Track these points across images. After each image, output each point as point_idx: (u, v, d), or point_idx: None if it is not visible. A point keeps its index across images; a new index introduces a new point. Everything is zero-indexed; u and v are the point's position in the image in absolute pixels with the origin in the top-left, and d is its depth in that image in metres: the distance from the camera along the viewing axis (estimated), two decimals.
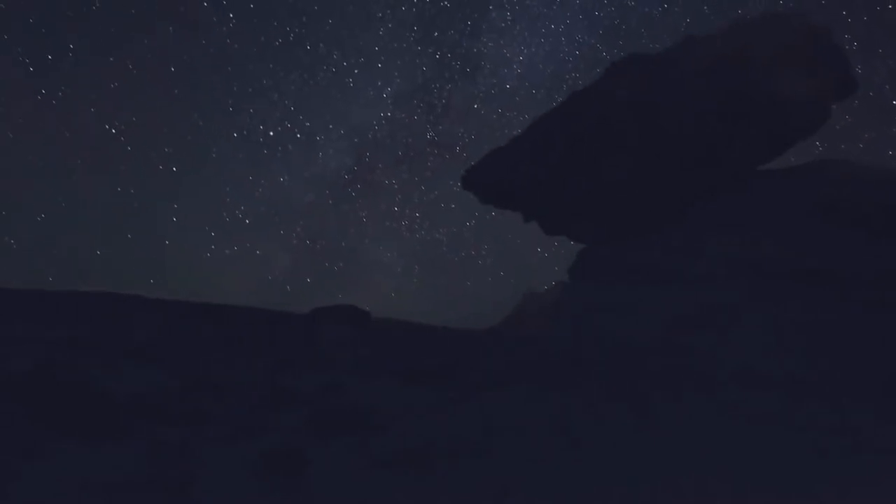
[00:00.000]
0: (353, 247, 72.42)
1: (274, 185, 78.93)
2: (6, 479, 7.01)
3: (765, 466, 7.73)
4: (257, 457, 8.19)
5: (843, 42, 47.77)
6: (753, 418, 9.91)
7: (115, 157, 71.82)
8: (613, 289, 14.78)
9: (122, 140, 73.18)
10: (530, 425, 10.20)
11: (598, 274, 15.38)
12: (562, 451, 8.75)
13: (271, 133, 75.57)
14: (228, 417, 10.70)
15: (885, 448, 8.28)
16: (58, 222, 68.39)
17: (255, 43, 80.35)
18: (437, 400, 13.35)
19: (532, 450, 8.83)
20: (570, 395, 11.98)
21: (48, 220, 63.47)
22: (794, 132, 15.78)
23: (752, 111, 14.83)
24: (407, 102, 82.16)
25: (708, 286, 14.11)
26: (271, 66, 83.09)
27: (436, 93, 76.91)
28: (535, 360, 15.66)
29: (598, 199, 15.21)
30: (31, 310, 17.65)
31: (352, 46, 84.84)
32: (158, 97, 73.34)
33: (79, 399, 9.58)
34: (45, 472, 7.37)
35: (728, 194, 15.64)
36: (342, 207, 79.22)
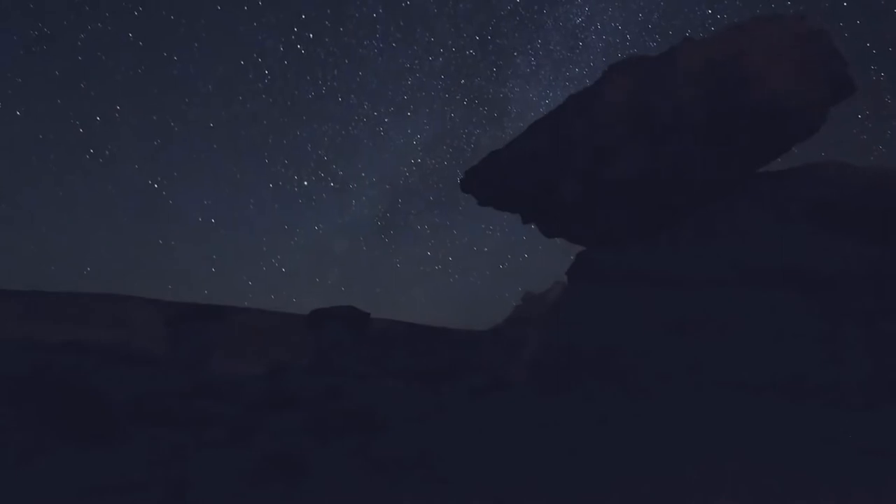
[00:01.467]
0: (387, 292, 73.48)
1: (309, 234, 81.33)
2: (6, 479, 7.00)
3: (765, 467, 7.72)
4: (257, 459, 8.18)
5: (871, 73, 48.18)
6: (753, 419, 9.91)
7: (156, 210, 75.22)
8: (612, 290, 14.77)
9: (163, 194, 76.24)
10: (530, 426, 10.20)
11: (597, 275, 15.37)
12: (561, 452, 8.75)
13: (305, 183, 78.80)
14: (228, 419, 10.69)
15: (884, 449, 8.28)
16: (101, 274, 71.21)
17: (288, 97, 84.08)
18: (437, 400, 13.34)
19: (532, 450, 8.83)
20: (570, 396, 11.98)
21: (93, 274, 66.41)
22: (791, 134, 15.77)
23: (749, 113, 14.83)
24: (437, 148, 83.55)
25: (706, 288, 14.12)
26: (304, 118, 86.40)
27: (464, 138, 78.30)
28: (535, 361, 15.67)
29: (597, 201, 15.23)
30: (32, 311, 17.64)
31: (382, 97, 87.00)
32: (197, 152, 77.27)
33: (78, 401, 9.57)
34: (44, 472, 7.36)
35: (726, 196, 15.62)
36: (376, 253, 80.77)
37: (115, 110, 76.15)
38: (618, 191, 15.01)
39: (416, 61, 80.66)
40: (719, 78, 14.80)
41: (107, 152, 74.60)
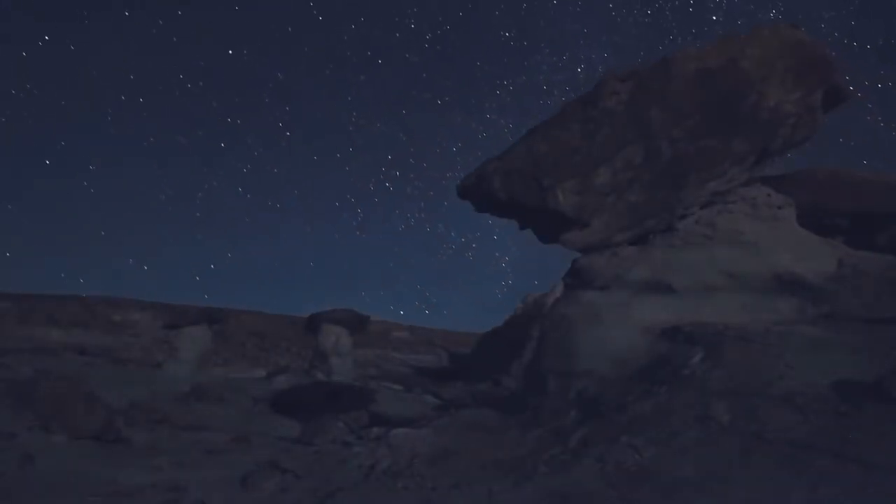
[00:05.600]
0: None
1: None
2: (6, 480, 7.02)
3: (765, 467, 7.74)
4: (257, 459, 8.20)
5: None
6: (754, 421, 9.91)
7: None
8: (610, 294, 14.77)
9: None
10: (529, 426, 10.22)
11: (595, 280, 15.39)
12: (560, 453, 8.78)
13: (402, 313, 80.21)
14: (227, 421, 10.71)
15: (881, 457, 8.29)
16: None
17: (379, 231, 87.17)
18: (437, 400, 13.36)
19: (532, 450, 8.86)
20: (570, 397, 12.01)
21: None
22: (783, 142, 15.84)
23: (741, 122, 14.88)
24: (526, 269, 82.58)
25: (704, 292, 14.15)
26: (396, 250, 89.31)
27: (550, 254, 78.17)
28: (534, 363, 15.67)
29: (593, 206, 15.27)
30: (32, 314, 17.65)
31: (467, 223, 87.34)
32: (297, 291, 79.64)
33: (77, 403, 9.58)
34: (44, 473, 7.37)
35: (721, 202, 15.67)
36: None
37: (227, 257, 79.42)
38: (613, 195, 15.04)
39: None
40: (714, 85, 14.86)
41: (216, 297, 76.65)
